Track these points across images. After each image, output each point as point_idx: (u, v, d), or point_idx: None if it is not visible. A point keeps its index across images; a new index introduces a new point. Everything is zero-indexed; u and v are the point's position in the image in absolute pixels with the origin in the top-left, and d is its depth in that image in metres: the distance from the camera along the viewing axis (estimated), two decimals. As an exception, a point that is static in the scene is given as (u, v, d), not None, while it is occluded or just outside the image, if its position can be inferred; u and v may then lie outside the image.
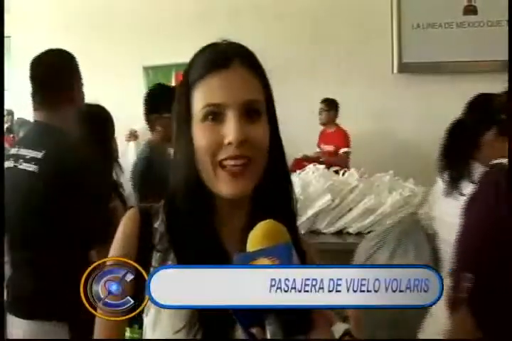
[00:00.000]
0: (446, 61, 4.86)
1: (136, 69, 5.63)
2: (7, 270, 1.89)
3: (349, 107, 4.91)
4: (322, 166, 3.62)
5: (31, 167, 1.77)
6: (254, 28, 4.69)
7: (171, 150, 2.29)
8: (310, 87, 4.90)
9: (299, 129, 4.84)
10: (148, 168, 2.60)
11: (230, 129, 0.82)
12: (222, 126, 0.84)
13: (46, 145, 1.79)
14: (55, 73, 1.88)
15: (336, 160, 4.46)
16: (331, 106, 4.91)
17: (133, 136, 3.94)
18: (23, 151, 1.82)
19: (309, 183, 3.16)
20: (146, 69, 5.83)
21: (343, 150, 4.87)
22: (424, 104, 4.91)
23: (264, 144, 0.86)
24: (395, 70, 4.98)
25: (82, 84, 1.95)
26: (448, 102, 4.72)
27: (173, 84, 5.27)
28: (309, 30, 5.07)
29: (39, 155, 1.78)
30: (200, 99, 0.86)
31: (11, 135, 5.54)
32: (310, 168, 3.59)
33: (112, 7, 5.48)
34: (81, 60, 1.96)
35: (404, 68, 4.97)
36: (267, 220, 0.75)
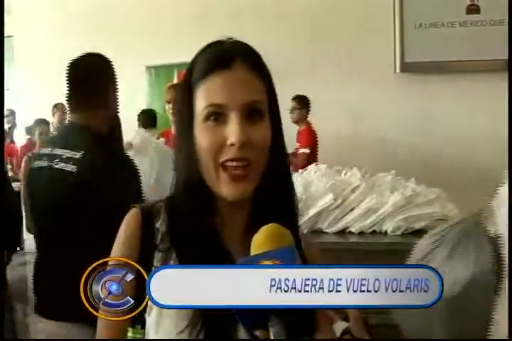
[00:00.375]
0: (448, 60, 4.85)
1: (138, 69, 5.64)
2: (31, 270, 1.92)
3: (350, 107, 4.91)
4: (324, 166, 3.61)
5: (68, 167, 1.81)
6: (255, 28, 4.69)
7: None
8: (310, 87, 4.89)
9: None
10: None
11: (232, 131, 0.82)
12: (224, 127, 0.83)
13: (83, 146, 1.83)
14: (91, 77, 1.93)
15: (293, 160, 4.32)
16: (302, 103, 4.79)
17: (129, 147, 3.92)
18: (59, 151, 1.86)
19: (311, 183, 3.16)
20: (149, 68, 5.84)
21: (301, 150, 4.75)
22: (426, 104, 4.90)
23: (265, 145, 0.85)
24: (397, 70, 4.98)
25: (117, 89, 1.99)
26: (451, 102, 4.72)
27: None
28: (309, 30, 5.07)
29: (77, 155, 1.81)
30: (202, 99, 0.85)
31: (28, 136, 5.52)
32: (312, 167, 3.59)
33: (112, 7, 5.48)
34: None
35: (407, 68, 4.96)
36: (270, 224, 0.75)
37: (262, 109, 0.85)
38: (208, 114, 0.84)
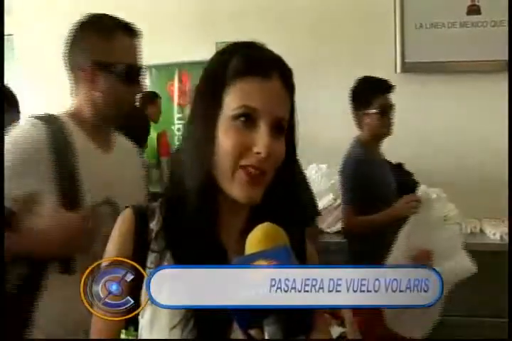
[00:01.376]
0: (449, 61, 4.85)
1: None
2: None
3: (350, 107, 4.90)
4: (324, 165, 3.61)
5: None
6: (255, 28, 4.68)
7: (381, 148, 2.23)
8: (310, 87, 4.88)
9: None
10: (361, 167, 2.51)
11: (262, 140, 0.82)
12: (251, 133, 0.83)
13: None
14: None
15: None
16: None
17: None
18: None
19: (312, 183, 3.16)
20: (150, 68, 5.83)
21: None
22: (426, 104, 4.90)
23: (281, 160, 0.87)
24: (398, 70, 4.97)
25: None
26: (451, 102, 4.72)
27: (176, 83, 5.27)
28: (309, 30, 5.06)
29: None
30: (237, 98, 0.84)
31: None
32: (312, 167, 3.59)
33: (112, 6, 5.47)
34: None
35: (407, 68, 4.96)
36: (265, 223, 0.75)
37: (284, 126, 0.87)
38: (239, 113, 0.83)
